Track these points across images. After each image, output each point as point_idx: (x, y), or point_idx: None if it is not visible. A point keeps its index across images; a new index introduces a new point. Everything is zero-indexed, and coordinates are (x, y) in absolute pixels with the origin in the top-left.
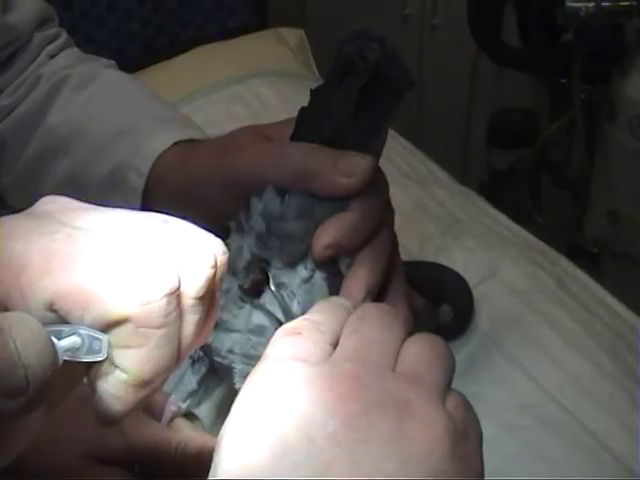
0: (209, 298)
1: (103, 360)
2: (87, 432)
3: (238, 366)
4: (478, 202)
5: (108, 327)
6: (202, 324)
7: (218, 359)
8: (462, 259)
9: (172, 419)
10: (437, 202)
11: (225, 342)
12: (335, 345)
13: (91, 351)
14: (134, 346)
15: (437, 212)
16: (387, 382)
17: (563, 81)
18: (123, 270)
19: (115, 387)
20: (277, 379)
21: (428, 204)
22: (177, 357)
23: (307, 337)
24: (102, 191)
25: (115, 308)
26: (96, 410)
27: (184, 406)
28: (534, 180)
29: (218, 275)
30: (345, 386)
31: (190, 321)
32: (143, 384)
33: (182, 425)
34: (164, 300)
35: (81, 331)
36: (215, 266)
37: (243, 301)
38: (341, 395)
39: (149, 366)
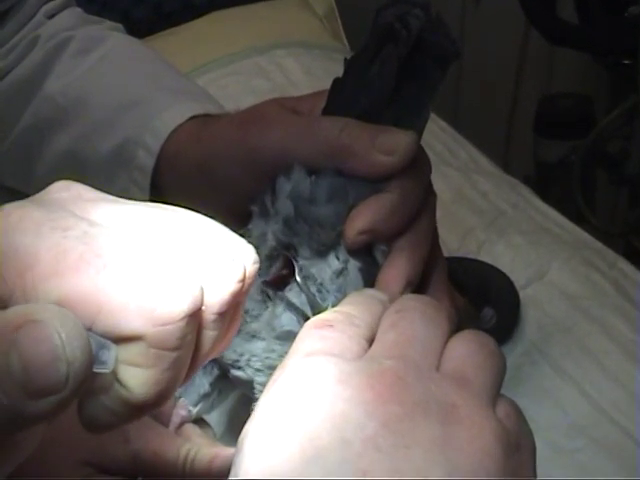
0: (232, 312)
1: None
2: (88, 438)
3: (260, 379)
4: (526, 194)
5: (116, 341)
6: (221, 338)
7: (236, 373)
8: (507, 257)
9: (181, 425)
10: (480, 192)
11: (244, 352)
12: (371, 341)
13: (97, 360)
14: (143, 366)
15: (480, 203)
16: (431, 383)
17: (626, 62)
18: (141, 281)
19: (112, 402)
20: (308, 375)
21: (470, 194)
22: (187, 375)
23: (340, 330)
24: (106, 170)
25: (128, 325)
26: (82, 415)
27: (195, 411)
28: (587, 175)
29: (245, 287)
30: (386, 385)
31: (207, 337)
32: (144, 405)
33: (192, 432)
34: (183, 322)
35: (90, 338)
36: (243, 280)
37: (266, 295)
38: (381, 394)
39: (155, 388)
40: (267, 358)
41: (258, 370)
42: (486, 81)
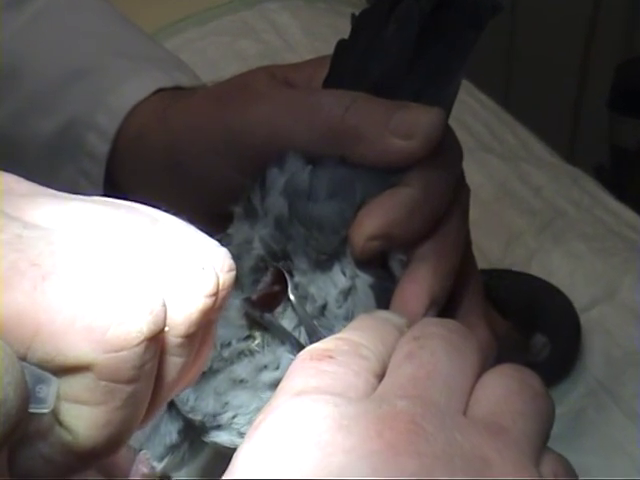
0: (202, 333)
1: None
2: None
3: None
4: (592, 189)
5: (58, 373)
6: (189, 366)
7: (216, 437)
8: (566, 270)
9: None
10: (531, 187)
11: (227, 404)
12: (381, 377)
13: (34, 398)
14: (90, 403)
15: (531, 201)
16: (456, 431)
17: None
18: (89, 296)
19: (52, 449)
20: (300, 419)
21: (518, 189)
22: (147, 414)
23: (343, 363)
24: (47, 158)
25: (72, 351)
26: (14, 467)
27: (160, 467)
28: None
29: (218, 302)
30: (398, 432)
31: (172, 365)
32: (92, 453)
33: None
34: (141, 347)
35: (24, 370)
36: (216, 293)
37: (251, 320)
38: (392, 444)
39: (106, 431)
40: (254, 415)
41: (244, 435)
42: (546, 43)
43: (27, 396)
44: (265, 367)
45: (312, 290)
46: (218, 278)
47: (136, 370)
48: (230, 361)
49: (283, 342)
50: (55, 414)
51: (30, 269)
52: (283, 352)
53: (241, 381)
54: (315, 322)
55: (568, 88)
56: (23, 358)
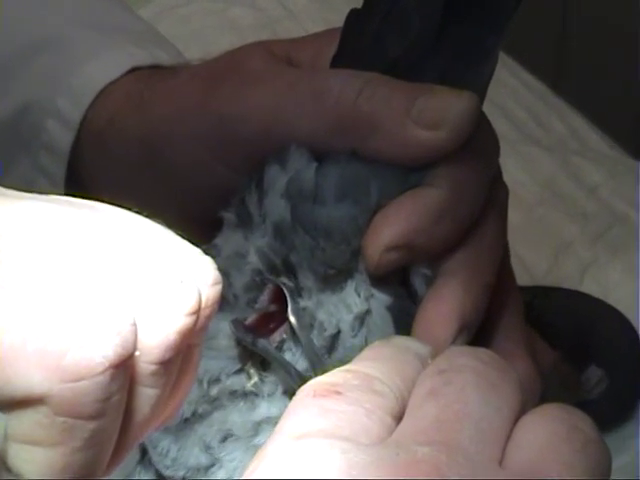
0: (181, 358)
1: None
2: None
3: None
4: None
5: (5, 407)
6: (164, 400)
7: None
8: (627, 288)
9: None
10: (585, 186)
11: (220, 462)
12: (400, 418)
13: None
14: (44, 443)
15: (584, 203)
16: None
17: None
18: (43, 315)
19: None
20: (300, 469)
21: (568, 189)
22: (113, 458)
23: (353, 401)
24: None
25: (22, 381)
26: None
27: None
28: None
29: (201, 322)
30: None
31: (144, 397)
32: None
33: None
34: (106, 375)
35: None
36: (196, 311)
37: (244, 349)
38: None
39: (64, 477)
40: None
41: None
42: (606, 11)
43: None
44: (265, 422)
45: (321, 316)
46: (200, 293)
47: (100, 403)
48: (219, 403)
49: (285, 388)
50: (1, 457)
51: None
52: (286, 401)
53: (233, 436)
54: (326, 359)
55: (632, 64)
56: None
